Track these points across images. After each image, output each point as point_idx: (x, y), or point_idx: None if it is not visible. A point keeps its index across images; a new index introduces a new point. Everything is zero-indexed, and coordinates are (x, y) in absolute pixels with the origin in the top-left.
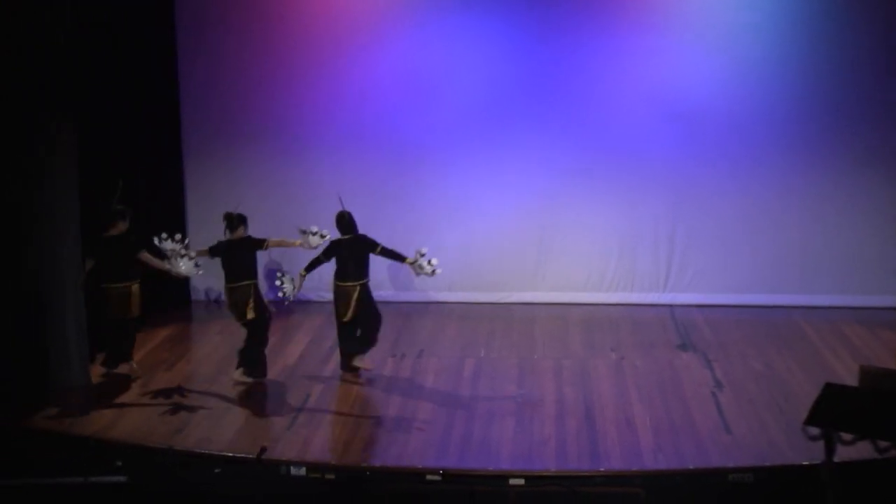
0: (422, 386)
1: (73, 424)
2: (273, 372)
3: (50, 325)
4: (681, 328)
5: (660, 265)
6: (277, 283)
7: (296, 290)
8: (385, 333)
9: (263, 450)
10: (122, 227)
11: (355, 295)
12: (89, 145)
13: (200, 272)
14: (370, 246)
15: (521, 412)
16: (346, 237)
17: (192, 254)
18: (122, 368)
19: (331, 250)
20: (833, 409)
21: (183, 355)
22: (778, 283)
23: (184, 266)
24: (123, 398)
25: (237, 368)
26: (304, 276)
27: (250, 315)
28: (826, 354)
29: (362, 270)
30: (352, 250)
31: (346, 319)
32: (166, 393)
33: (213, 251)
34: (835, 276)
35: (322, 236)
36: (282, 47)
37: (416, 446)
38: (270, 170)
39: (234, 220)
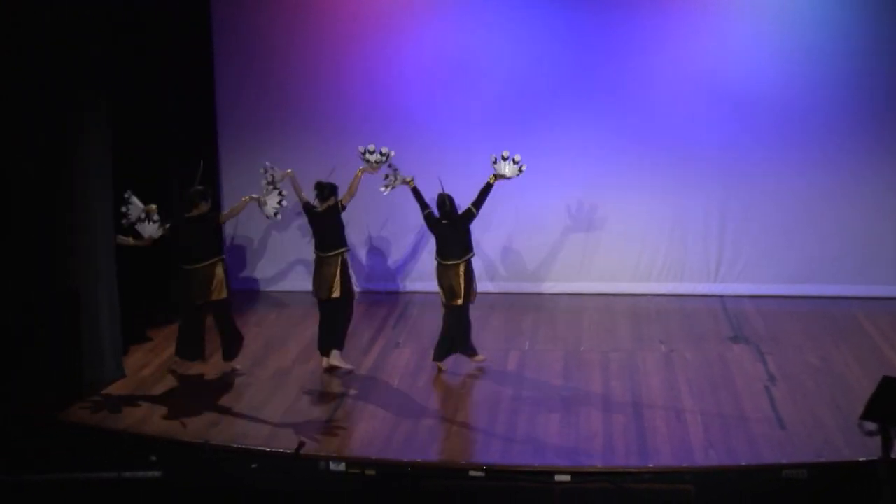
0: (464, 379)
1: (107, 418)
2: (310, 364)
3: (84, 317)
4: (732, 320)
5: (710, 254)
6: (388, 169)
7: (395, 183)
8: (426, 326)
9: (302, 444)
10: (204, 207)
11: (461, 271)
12: (124, 136)
13: (286, 205)
14: (467, 217)
15: (567, 406)
16: (446, 222)
17: (283, 192)
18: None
19: (431, 224)
20: (890, 404)
21: (219, 347)
22: (834, 273)
23: (271, 202)
24: (158, 390)
25: (328, 354)
26: (411, 184)
27: (335, 293)
28: (884, 347)
29: (467, 245)
30: (455, 229)
31: (459, 302)
32: (202, 386)
33: (307, 209)
34: (894, 266)
35: (382, 154)
36: (317, 33)
37: (458, 441)
38: (305, 157)
39: (325, 190)
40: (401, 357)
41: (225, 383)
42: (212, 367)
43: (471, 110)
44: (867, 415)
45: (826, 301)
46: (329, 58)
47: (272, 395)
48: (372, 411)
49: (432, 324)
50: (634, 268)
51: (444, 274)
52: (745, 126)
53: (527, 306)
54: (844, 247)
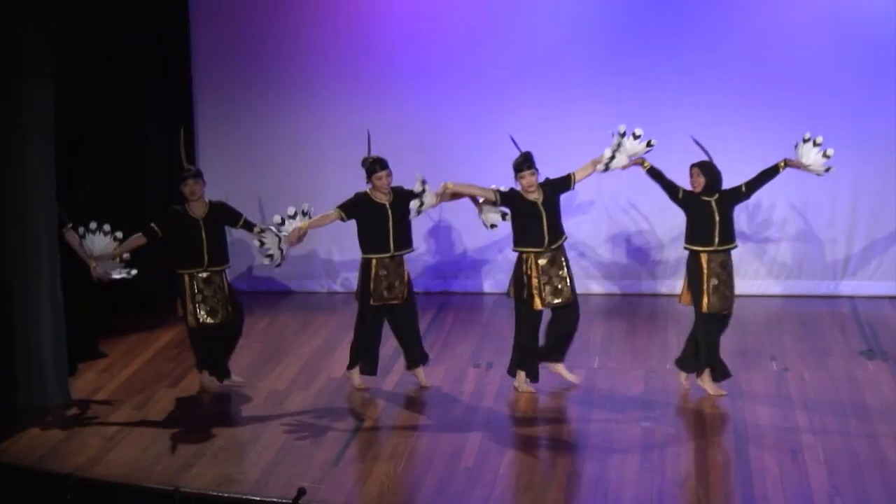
0: (511, 406)
1: (48, 457)
2: (314, 387)
3: (18, 327)
4: (866, 328)
5: (837, 243)
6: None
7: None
8: (462, 334)
9: (302, 492)
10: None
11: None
12: (90, 109)
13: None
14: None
15: (648, 442)
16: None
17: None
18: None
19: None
20: None
21: (191, 367)
22: None
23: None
24: (114, 422)
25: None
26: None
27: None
28: None
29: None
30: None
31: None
32: (171, 416)
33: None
34: None
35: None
36: None
37: (504, 488)
38: (285, 120)
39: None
40: (432, 376)
41: (202, 412)
42: (182, 390)
43: (477, 78)
44: None
45: None
46: (313, 20)
47: (263, 427)
48: (394, 448)
49: (469, 331)
50: (737, 260)
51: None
52: (873, 84)
53: (595, 311)
54: None
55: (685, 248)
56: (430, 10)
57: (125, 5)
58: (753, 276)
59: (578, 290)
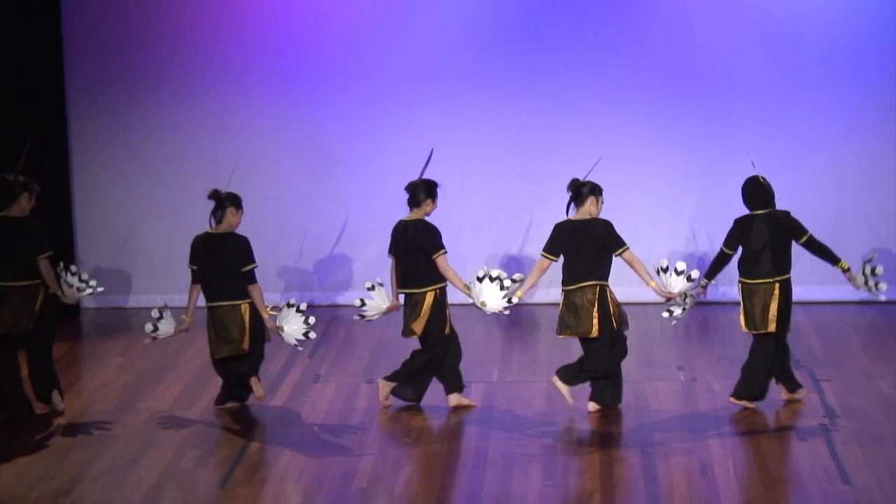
0: (406, 423)
1: None
2: (198, 406)
3: None
4: None
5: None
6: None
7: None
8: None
9: None
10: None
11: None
12: None
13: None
14: (794, 230)
15: (550, 457)
16: (761, 212)
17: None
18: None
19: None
20: None
21: (70, 385)
22: None
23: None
24: None
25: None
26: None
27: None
28: None
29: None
30: (771, 229)
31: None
32: (48, 437)
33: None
34: None
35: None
36: None
37: None
38: (163, 115)
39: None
40: (322, 395)
41: (80, 437)
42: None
43: (362, 80)
44: None
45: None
46: (193, 20)
47: (145, 449)
48: (283, 470)
49: (363, 348)
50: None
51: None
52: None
53: (484, 322)
54: None
55: (783, 278)
56: (318, 10)
57: None
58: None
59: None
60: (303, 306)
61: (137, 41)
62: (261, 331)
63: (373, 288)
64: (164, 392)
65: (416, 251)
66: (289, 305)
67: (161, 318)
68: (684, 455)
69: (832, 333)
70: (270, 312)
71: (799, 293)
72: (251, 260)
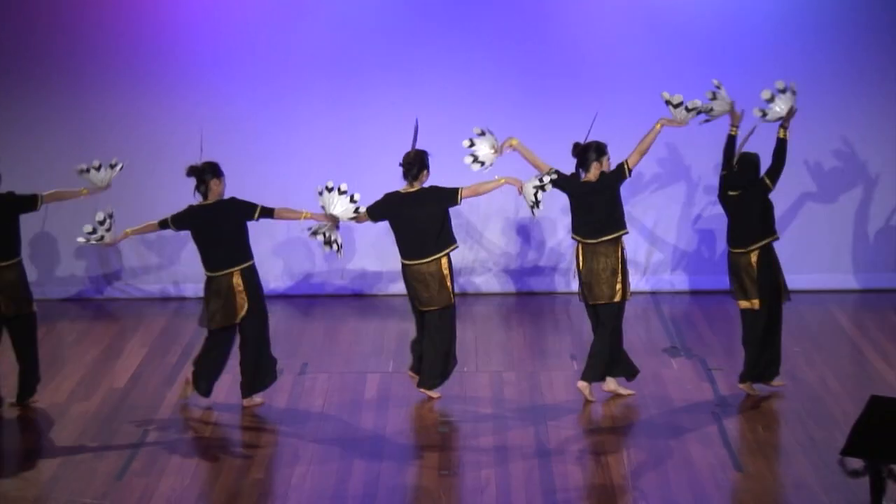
0: (303, 414)
1: None
2: (95, 398)
3: None
4: (669, 325)
5: (638, 240)
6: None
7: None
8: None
9: None
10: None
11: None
12: None
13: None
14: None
15: (447, 448)
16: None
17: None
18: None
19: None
20: (882, 433)
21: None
22: (804, 259)
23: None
24: None
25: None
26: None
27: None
28: (870, 355)
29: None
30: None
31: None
32: None
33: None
34: (883, 251)
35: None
36: None
37: (297, 500)
38: (70, 118)
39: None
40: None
41: None
42: None
43: (290, 57)
44: (851, 448)
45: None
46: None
47: (41, 441)
48: (179, 462)
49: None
50: (553, 260)
51: None
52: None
53: (390, 312)
54: (810, 229)
55: (759, 246)
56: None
57: None
58: (564, 273)
59: None
60: (343, 186)
61: (51, 49)
62: (259, 293)
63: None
64: (59, 384)
65: (424, 219)
66: (328, 189)
67: (104, 222)
68: (577, 443)
69: (724, 323)
70: (308, 215)
71: (695, 283)
72: (252, 204)
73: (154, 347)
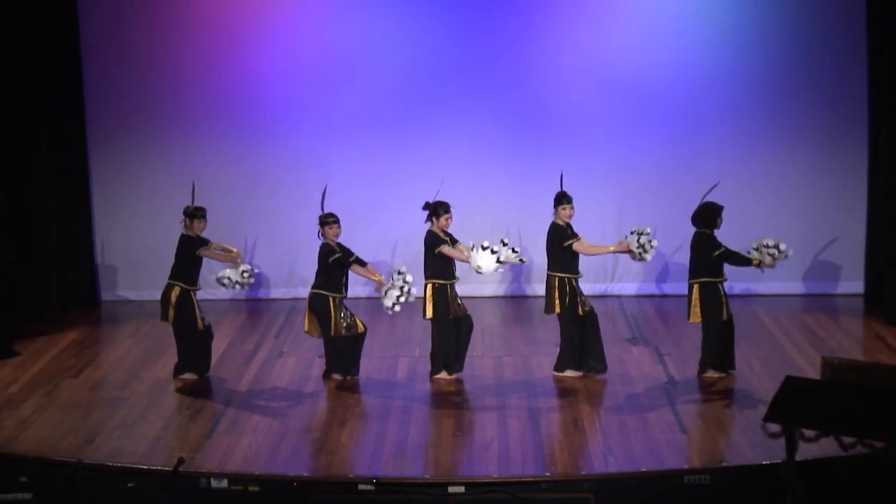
0: (352, 389)
1: None
2: (189, 375)
3: None
4: (631, 321)
5: (607, 256)
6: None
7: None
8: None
9: (181, 461)
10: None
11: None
12: None
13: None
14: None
15: (461, 414)
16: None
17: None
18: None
19: None
20: (794, 404)
21: (92, 360)
22: (734, 270)
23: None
24: (27, 407)
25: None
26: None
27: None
28: (786, 345)
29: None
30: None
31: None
32: (74, 401)
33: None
34: (792, 261)
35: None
36: (185, 30)
37: (346, 454)
38: (177, 159)
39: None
40: (285, 367)
41: (99, 399)
42: (84, 380)
43: (345, 111)
44: (770, 416)
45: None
46: (201, 54)
47: (149, 409)
48: (255, 424)
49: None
50: (530, 264)
51: None
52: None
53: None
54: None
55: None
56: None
57: (15, 28)
58: (539, 281)
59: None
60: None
61: (150, 72)
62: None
63: (505, 244)
64: (164, 364)
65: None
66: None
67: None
68: (561, 411)
69: (673, 318)
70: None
71: (650, 288)
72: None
73: (235, 338)
